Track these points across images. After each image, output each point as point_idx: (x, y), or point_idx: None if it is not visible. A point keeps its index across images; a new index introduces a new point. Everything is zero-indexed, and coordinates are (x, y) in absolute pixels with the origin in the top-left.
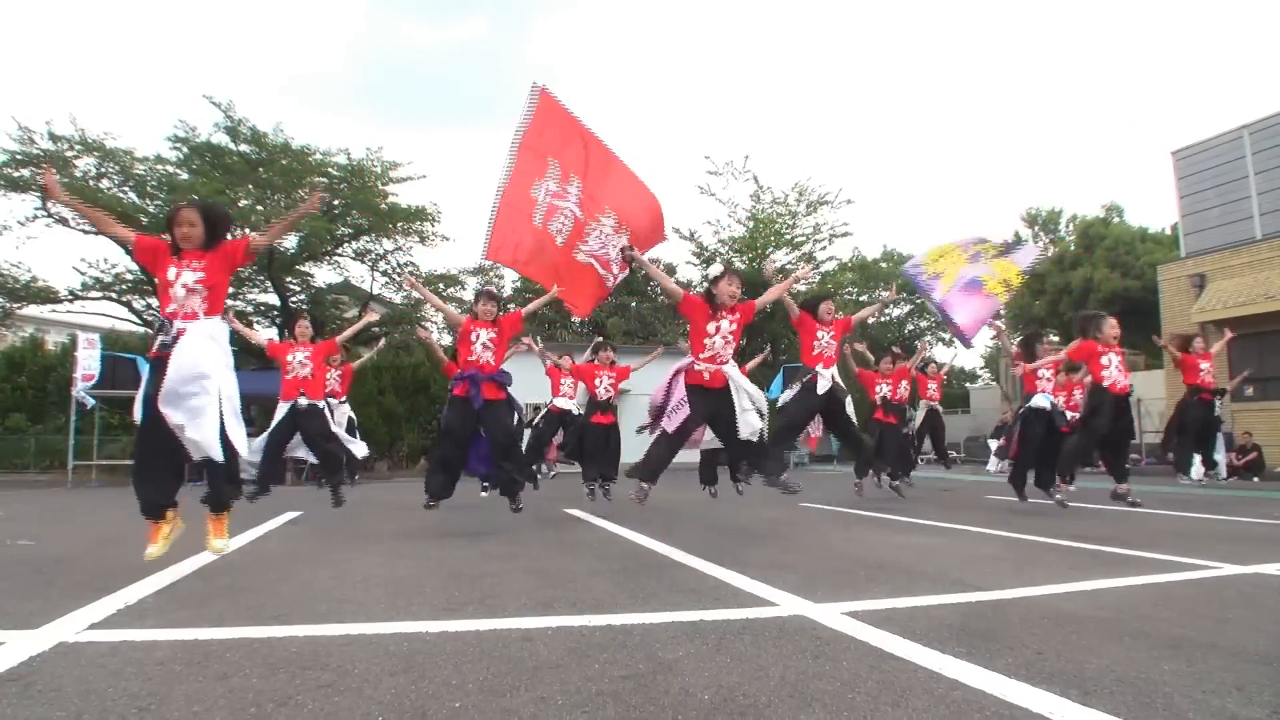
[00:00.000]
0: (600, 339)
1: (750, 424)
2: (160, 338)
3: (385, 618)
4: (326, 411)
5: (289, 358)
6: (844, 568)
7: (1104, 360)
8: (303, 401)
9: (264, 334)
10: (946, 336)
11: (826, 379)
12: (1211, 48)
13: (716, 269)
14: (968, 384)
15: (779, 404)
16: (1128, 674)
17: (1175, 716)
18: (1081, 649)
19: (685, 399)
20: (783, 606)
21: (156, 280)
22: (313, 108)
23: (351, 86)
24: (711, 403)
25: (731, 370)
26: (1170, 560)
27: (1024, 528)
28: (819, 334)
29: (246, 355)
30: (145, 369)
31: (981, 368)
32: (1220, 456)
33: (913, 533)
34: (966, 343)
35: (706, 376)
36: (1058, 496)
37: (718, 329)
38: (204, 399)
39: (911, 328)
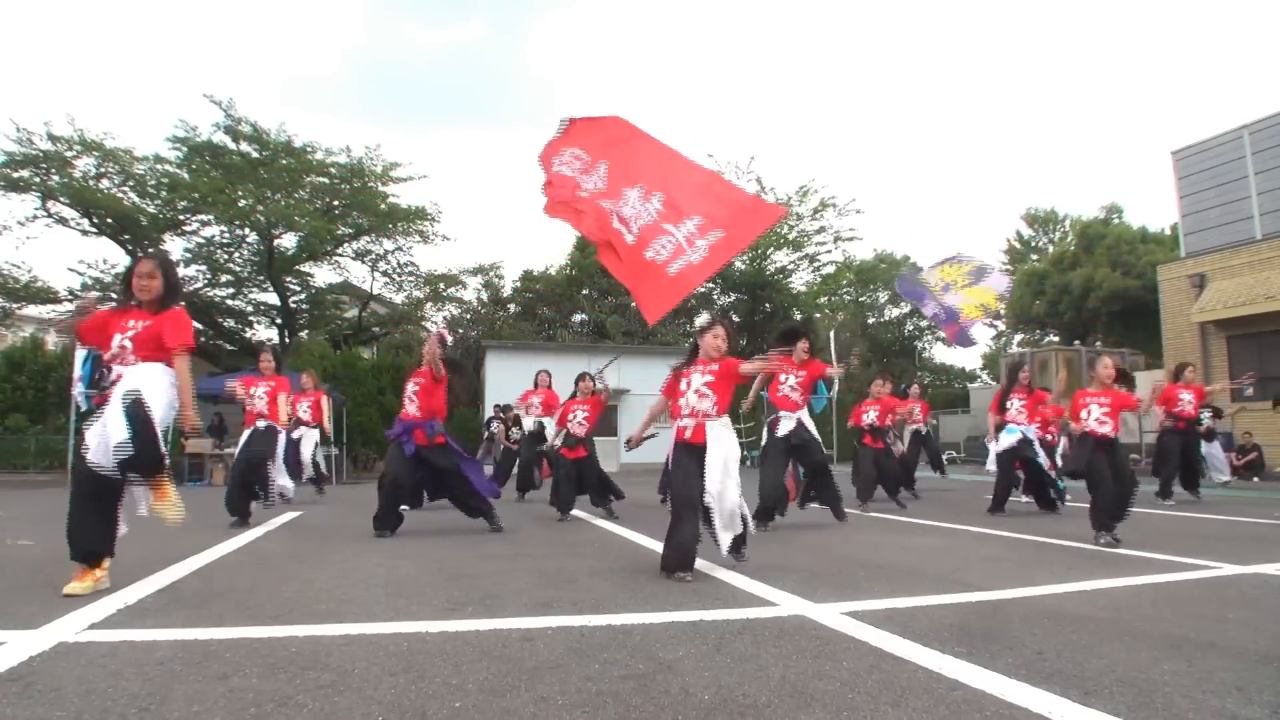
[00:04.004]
0: (582, 373)
1: (713, 491)
2: (102, 387)
3: (385, 618)
4: (281, 437)
5: (251, 390)
6: (844, 568)
7: (1083, 414)
8: (261, 424)
9: (264, 333)
10: (944, 336)
11: (791, 421)
12: (1211, 48)
13: (703, 319)
14: (968, 384)
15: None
16: (1128, 674)
17: (1175, 716)
18: (1081, 649)
19: (673, 459)
20: (783, 606)
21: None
22: (310, 108)
23: (349, 88)
24: (697, 457)
25: (713, 428)
26: (1170, 560)
27: (1024, 528)
28: (787, 377)
29: (245, 355)
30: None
31: (981, 368)
32: (1223, 476)
33: (913, 533)
34: (963, 343)
35: (688, 434)
36: (1104, 540)
37: (689, 384)
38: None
39: (911, 327)
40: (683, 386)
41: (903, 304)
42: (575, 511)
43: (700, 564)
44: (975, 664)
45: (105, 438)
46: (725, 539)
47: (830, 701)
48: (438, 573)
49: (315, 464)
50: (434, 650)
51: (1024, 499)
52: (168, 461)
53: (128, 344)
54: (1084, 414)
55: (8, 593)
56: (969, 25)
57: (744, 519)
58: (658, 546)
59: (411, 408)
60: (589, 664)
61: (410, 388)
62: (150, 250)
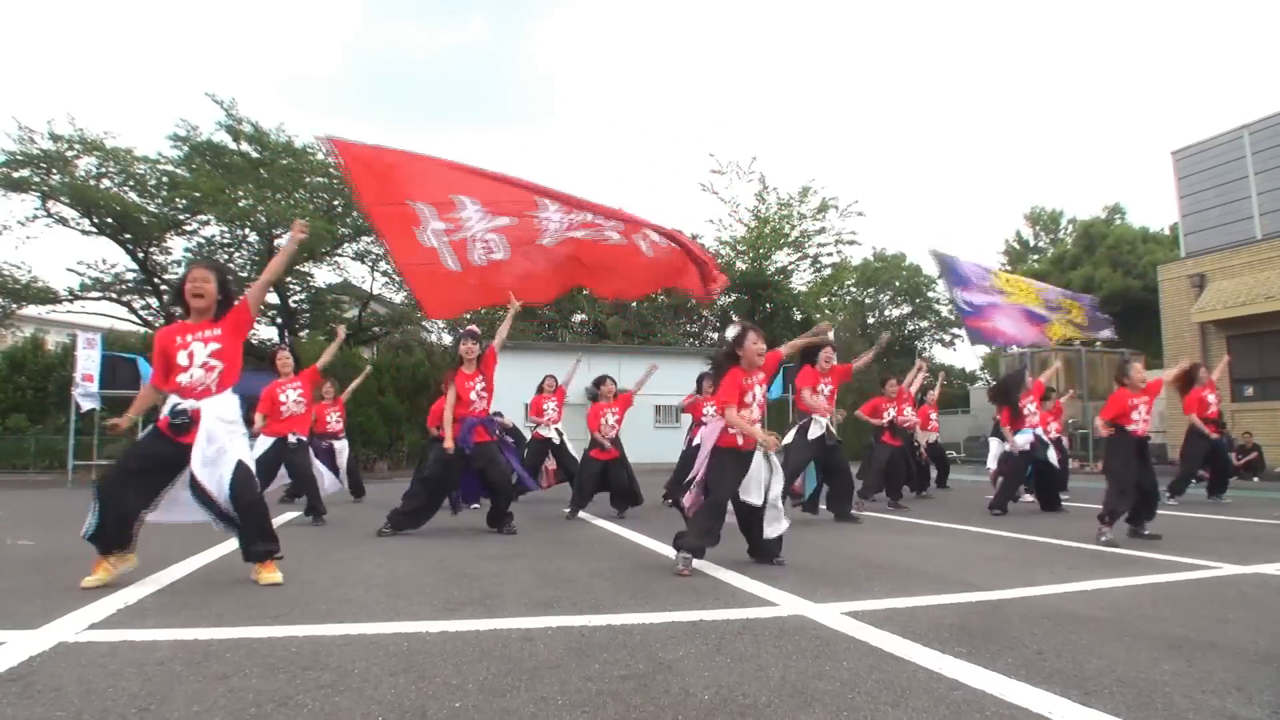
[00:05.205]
0: (603, 375)
1: (752, 492)
2: (172, 418)
3: (385, 618)
4: (312, 450)
5: (282, 396)
6: (844, 568)
7: (1134, 415)
8: (291, 439)
9: (264, 333)
10: (946, 338)
11: (820, 426)
12: (1211, 48)
13: (734, 330)
14: (968, 384)
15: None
16: (1128, 674)
17: (1175, 716)
18: (1081, 649)
19: (713, 464)
20: (783, 606)
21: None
22: (310, 109)
23: (349, 88)
24: (744, 465)
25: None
26: (1170, 560)
27: (1024, 528)
28: (820, 386)
29: (246, 356)
30: (143, 430)
31: (981, 369)
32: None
33: (913, 533)
34: (975, 341)
35: (740, 440)
36: (1105, 538)
37: (753, 397)
38: (223, 469)
39: (912, 327)
40: (748, 399)
41: (903, 304)
42: (579, 512)
43: (701, 564)
44: (975, 664)
45: (197, 500)
46: (772, 531)
47: (830, 701)
48: (437, 573)
49: (352, 472)
50: (434, 650)
51: (1027, 497)
52: (276, 553)
53: (211, 361)
54: (1135, 415)
55: (8, 593)
56: (970, 25)
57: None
58: (658, 546)
59: (482, 404)
60: (589, 664)
61: (476, 386)
62: (203, 257)
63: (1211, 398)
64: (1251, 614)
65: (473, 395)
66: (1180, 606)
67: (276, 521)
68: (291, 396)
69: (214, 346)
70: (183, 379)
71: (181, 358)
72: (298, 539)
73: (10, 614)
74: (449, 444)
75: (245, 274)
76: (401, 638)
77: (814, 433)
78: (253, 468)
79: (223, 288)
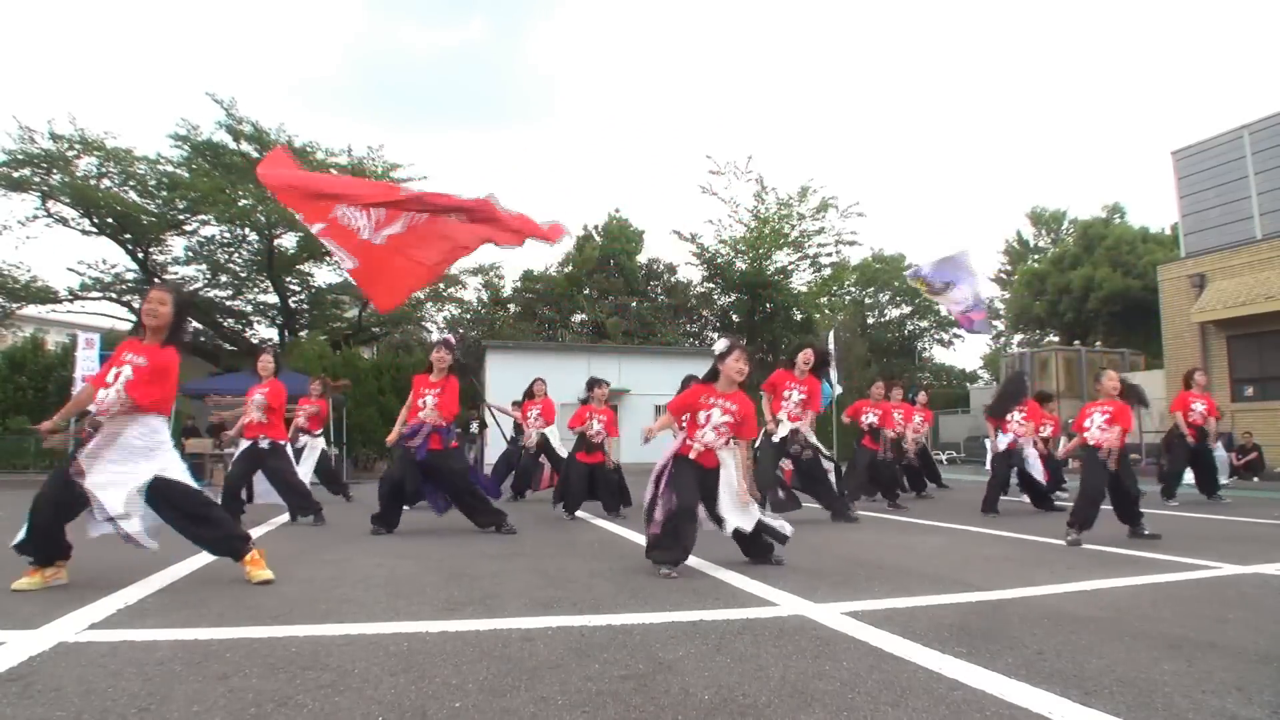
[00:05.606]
0: (600, 379)
1: (732, 520)
2: (91, 430)
3: (385, 618)
4: (287, 449)
5: (250, 400)
6: (844, 568)
7: (1085, 423)
8: (264, 443)
9: (264, 333)
10: (945, 338)
11: (785, 428)
12: (1211, 48)
13: (723, 344)
14: (968, 384)
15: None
16: (1128, 674)
17: (1175, 716)
18: (1081, 649)
19: (671, 471)
20: (783, 606)
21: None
22: (311, 109)
23: (349, 89)
24: (700, 475)
25: (726, 456)
26: (1170, 560)
27: (1024, 528)
28: (791, 391)
29: (244, 356)
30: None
31: (981, 368)
32: (1223, 478)
33: (913, 533)
34: (969, 329)
35: (692, 454)
36: (1070, 537)
37: (708, 419)
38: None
39: (911, 328)
40: (701, 419)
41: (903, 304)
42: (578, 512)
43: (700, 564)
44: (975, 664)
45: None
46: (779, 525)
47: (830, 701)
48: (438, 572)
49: (329, 472)
50: (434, 650)
51: (1024, 498)
52: (248, 543)
53: (129, 376)
54: (1086, 423)
55: (8, 593)
56: (970, 25)
57: (771, 527)
58: None
59: (431, 413)
60: (589, 664)
61: (428, 396)
62: (167, 280)
63: (1199, 405)
64: (1251, 614)
65: (419, 402)
66: (1180, 606)
67: (275, 522)
68: (255, 400)
69: (131, 376)
70: (100, 394)
71: (110, 374)
72: (297, 539)
73: (10, 614)
74: (390, 438)
75: (245, 274)
76: (401, 638)
77: (777, 435)
78: (176, 475)
79: (180, 313)
